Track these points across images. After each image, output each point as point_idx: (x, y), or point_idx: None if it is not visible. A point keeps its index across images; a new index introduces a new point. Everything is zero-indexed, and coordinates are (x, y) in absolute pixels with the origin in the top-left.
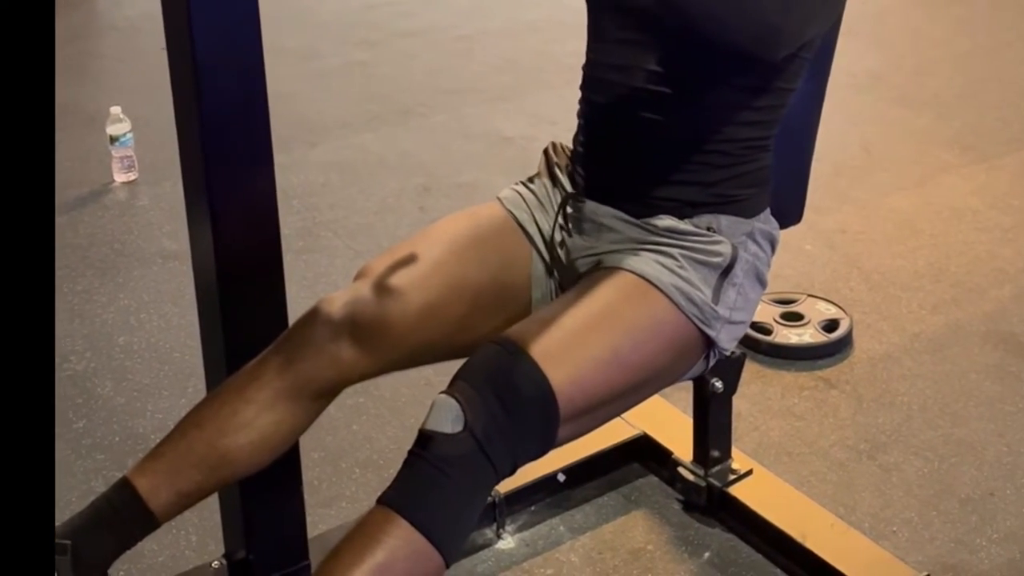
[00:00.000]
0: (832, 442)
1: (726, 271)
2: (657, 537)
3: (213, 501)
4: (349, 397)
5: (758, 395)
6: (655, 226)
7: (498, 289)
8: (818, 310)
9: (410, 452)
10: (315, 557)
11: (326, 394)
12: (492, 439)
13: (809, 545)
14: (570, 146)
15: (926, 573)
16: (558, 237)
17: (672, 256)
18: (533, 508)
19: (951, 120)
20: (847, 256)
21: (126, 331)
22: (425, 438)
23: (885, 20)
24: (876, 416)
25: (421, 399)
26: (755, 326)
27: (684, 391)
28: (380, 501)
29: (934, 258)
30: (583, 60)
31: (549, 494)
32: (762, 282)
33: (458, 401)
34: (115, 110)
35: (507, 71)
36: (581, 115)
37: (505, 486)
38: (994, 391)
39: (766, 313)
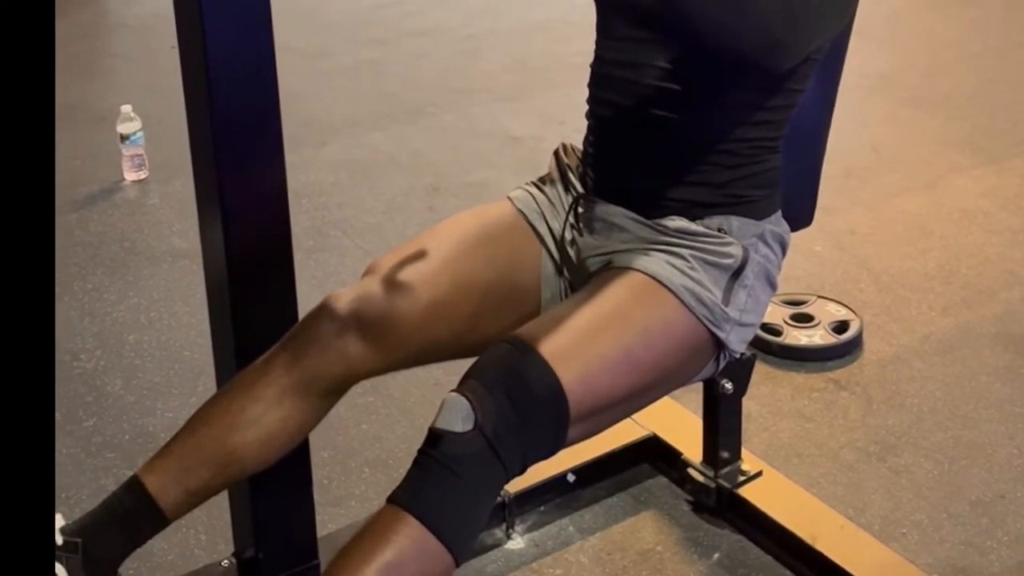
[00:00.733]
0: (842, 444)
1: (737, 272)
2: (666, 538)
3: (223, 500)
4: (358, 396)
5: (768, 396)
6: (665, 227)
7: (507, 288)
8: (828, 311)
9: (420, 451)
10: (324, 556)
11: (334, 391)
12: (502, 438)
13: (819, 547)
14: (580, 147)
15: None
16: (568, 236)
17: (683, 257)
18: (543, 508)
19: (962, 122)
20: (857, 257)
21: (136, 329)
22: (435, 437)
23: (897, 21)
24: (886, 418)
25: (431, 399)
26: (765, 327)
27: (694, 392)
28: (390, 500)
29: (944, 260)
30: (591, 59)
31: (559, 494)
32: (772, 284)
33: (468, 400)
34: (126, 108)
35: (516, 71)
36: (590, 114)
37: (515, 486)
38: (1004, 393)
39: (776, 314)
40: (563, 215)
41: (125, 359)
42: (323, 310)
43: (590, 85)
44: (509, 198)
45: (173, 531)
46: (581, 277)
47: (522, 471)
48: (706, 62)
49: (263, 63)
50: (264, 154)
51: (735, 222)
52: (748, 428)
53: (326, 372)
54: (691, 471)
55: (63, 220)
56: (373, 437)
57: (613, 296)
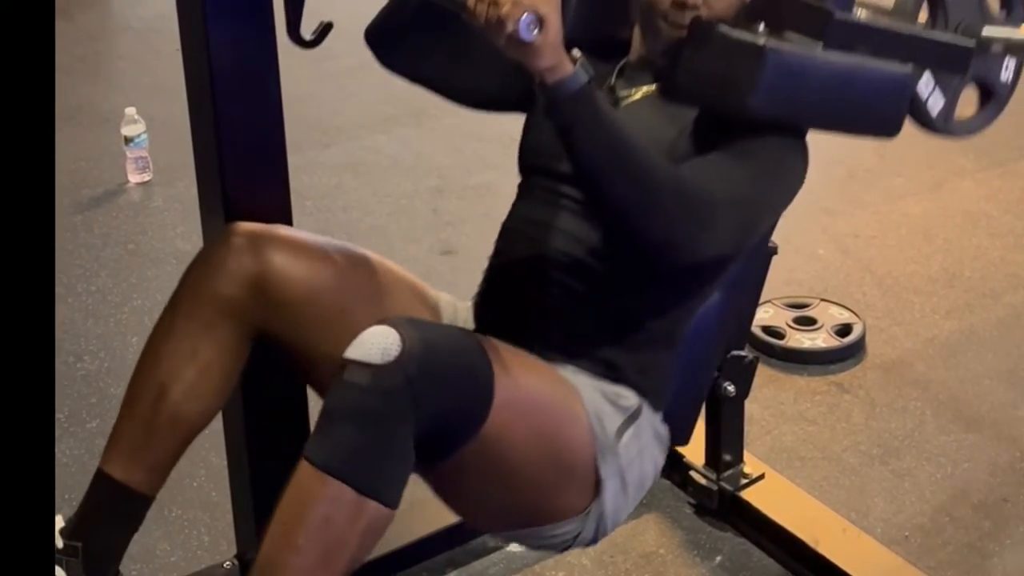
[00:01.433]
0: (845, 447)
1: (632, 418)
2: (669, 541)
3: (225, 502)
4: None
5: (771, 399)
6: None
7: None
8: (831, 314)
9: (332, 386)
10: None
11: (238, 317)
12: (424, 382)
13: (821, 550)
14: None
15: None
16: None
17: (583, 383)
18: None
19: None
20: (860, 260)
21: (140, 331)
22: (348, 368)
23: None
24: (889, 421)
25: None
26: (768, 330)
27: None
28: (303, 454)
29: (948, 263)
30: (500, 227)
31: None
32: (654, 474)
33: (398, 332)
34: (130, 111)
35: None
36: (489, 268)
37: None
38: (1007, 397)
39: (779, 317)
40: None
41: (128, 361)
42: (220, 237)
43: (497, 239)
44: (439, 296)
45: (176, 533)
46: None
47: (430, 433)
48: (614, 240)
49: (266, 65)
50: (267, 156)
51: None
52: (750, 431)
53: (224, 294)
54: (693, 474)
55: (67, 222)
56: None
57: (535, 368)
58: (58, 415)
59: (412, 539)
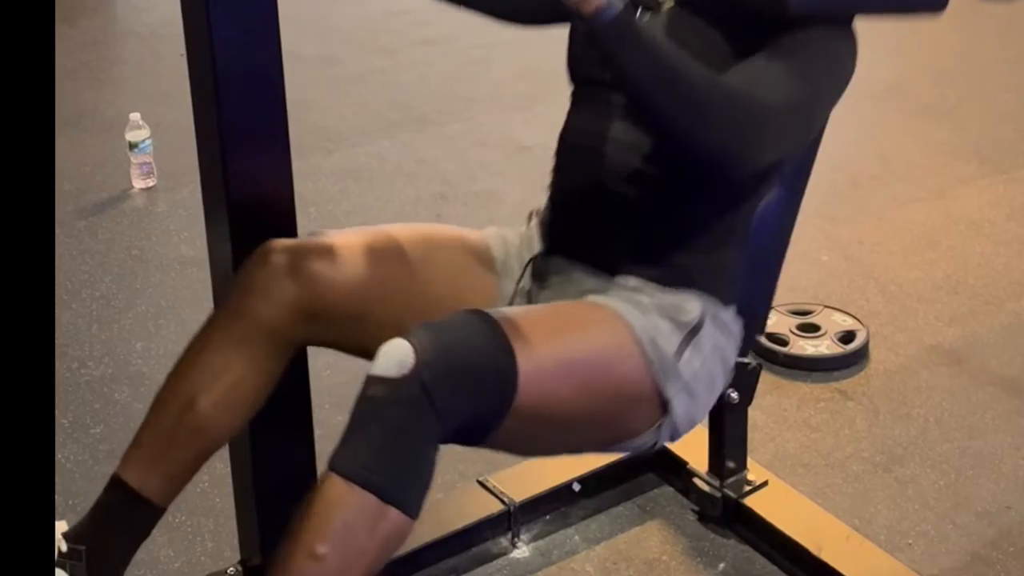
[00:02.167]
0: (848, 454)
1: (693, 331)
2: (672, 548)
3: (229, 507)
4: None
5: (774, 406)
6: (624, 284)
7: (455, 301)
8: (834, 321)
9: (356, 401)
10: None
11: (277, 341)
12: (440, 388)
13: (824, 557)
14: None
15: None
16: (525, 286)
17: (642, 303)
18: (548, 517)
19: (970, 131)
20: (864, 267)
21: (144, 337)
22: (369, 383)
23: (904, 31)
24: (892, 428)
25: None
26: (771, 337)
27: None
28: (330, 466)
29: (951, 270)
30: (557, 138)
31: (564, 504)
32: (726, 369)
33: (412, 344)
34: (134, 116)
35: (524, 80)
36: (551, 183)
37: (520, 495)
38: (1011, 404)
39: (782, 324)
40: (524, 264)
41: (132, 367)
42: (257, 257)
43: (556, 153)
44: (485, 233)
45: (180, 539)
46: None
47: (456, 435)
48: (669, 145)
49: (271, 71)
50: (272, 162)
51: (693, 295)
52: (754, 438)
53: (265, 316)
54: (697, 481)
55: (71, 228)
56: None
57: (577, 312)
58: (62, 421)
59: (415, 546)
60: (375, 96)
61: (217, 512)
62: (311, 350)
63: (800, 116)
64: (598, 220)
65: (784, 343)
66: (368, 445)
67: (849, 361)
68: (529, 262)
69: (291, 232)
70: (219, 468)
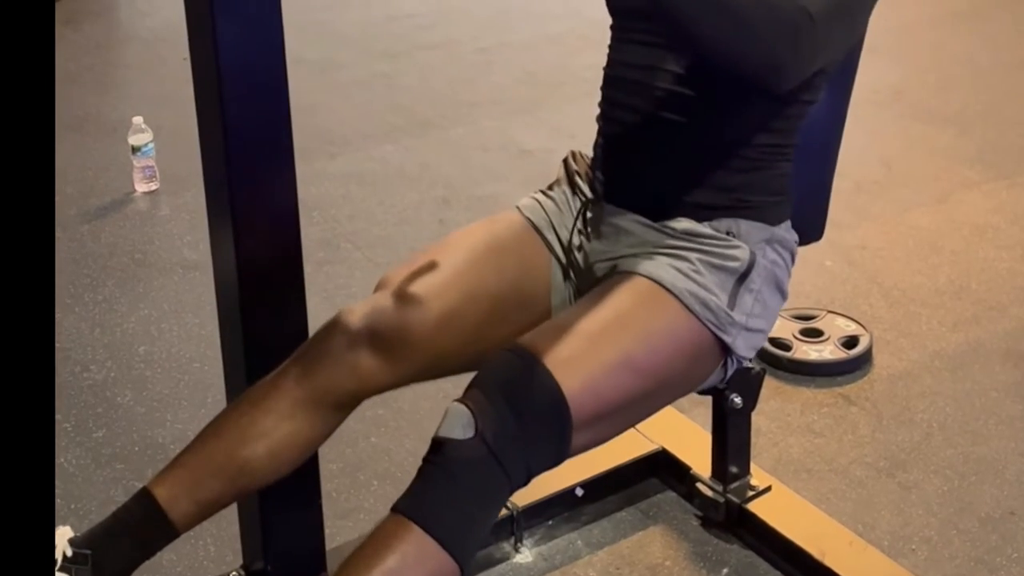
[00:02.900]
0: (851, 459)
1: (743, 276)
2: (675, 553)
3: (232, 511)
4: (368, 409)
5: (777, 411)
6: (673, 228)
7: (517, 296)
8: (838, 326)
9: (424, 460)
10: (333, 569)
11: (345, 405)
12: (504, 446)
13: (827, 563)
14: (589, 155)
15: None
16: (576, 242)
17: (688, 260)
18: (551, 522)
19: (973, 137)
20: (867, 272)
21: (146, 341)
22: (437, 445)
23: (907, 36)
24: (896, 434)
25: (440, 411)
26: (775, 342)
27: (703, 406)
28: (393, 509)
29: (955, 275)
30: (603, 73)
31: (567, 508)
32: (782, 291)
33: (469, 408)
34: (137, 120)
35: (527, 84)
36: (601, 116)
37: (523, 500)
38: (1015, 410)
39: (786, 329)
40: (571, 221)
41: (135, 370)
42: (335, 325)
43: (602, 87)
44: (518, 207)
45: (182, 542)
46: (588, 282)
47: (527, 480)
48: (715, 69)
49: (275, 75)
50: (275, 166)
51: (743, 225)
52: (757, 443)
53: (338, 386)
54: (700, 485)
55: (74, 231)
56: (382, 450)
57: (617, 301)
58: (64, 425)
59: None
60: (378, 100)
61: (220, 516)
62: None
63: (843, 19)
64: (647, 151)
65: (787, 348)
66: (440, 500)
67: (852, 366)
68: (577, 215)
69: (294, 236)
70: None
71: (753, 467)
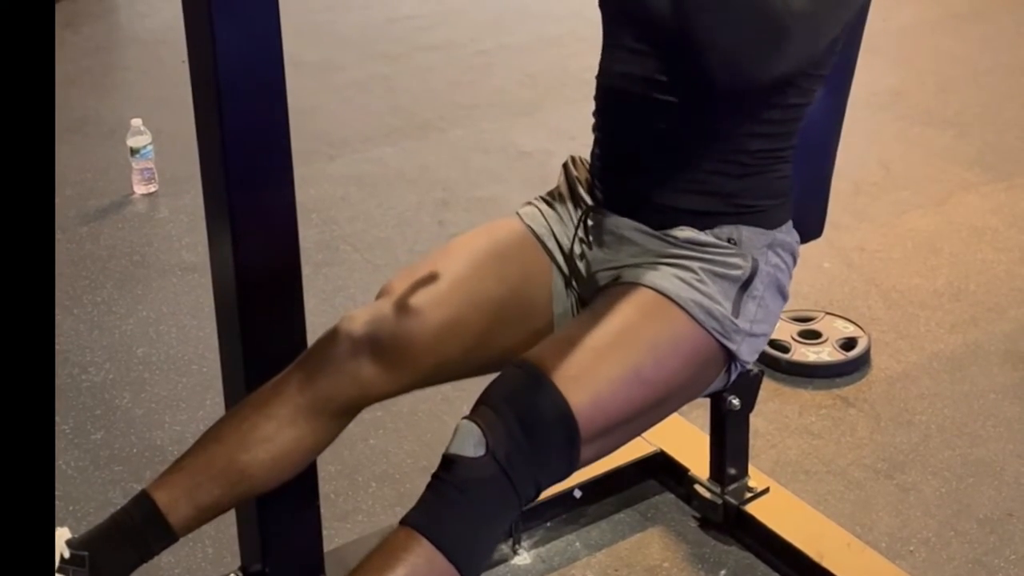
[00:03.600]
0: (849, 461)
1: (746, 284)
2: (673, 554)
3: (230, 514)
4: (366, 411)
5: (775, 413)
6: (675, 237)
7: (519, 304)
8: (836, 328)
9: (434, 475)
10: (331, 571)
11: (347, 412)
12: (514, 463)
13: (826, 564)
14: (589, 160)
15: None
16: (577, 250)
17: (691, 270)
18: (549, 524)
19: (972, 139)
20: (865, 274)
21: (145, 343)
22: (448, 462)
23: (906, 38)
24: (894, 435)
25: (438, 414)
26: (773, 344)
27: (701, 408)
28: (403, 522)
29: (953, 277)
30: (595, 82)
31: (565, 510)
32: (783, 294)
33: (479, 426)
34: (136, 122)
35: (526, 86)
36: (596, 127)
37: None
38: (1013, 411)
39: (784, 331)
40: (572, 229)
41: (134, 372)
42: (337, 332)
43: (595, 97)
44: (518, 214)
45: (180, 545)
46: (590, 291)
47: (537, 495)
48: (708, 78)
49: (273, 77)
50: (273, 168)
51: (745, 231)
52: (755, 445)
53: (339, 394)
54: (698, 487)
55: (73, 233)
56: (380, 452)
57: (621, 314)
58: (63, 427)
59: None
60: (377, 102)
61: (218, 518)
62: None
63: (819, 22)
64: (644, 161)
65: (786, 350)
66: (450, 515)
67: (851, 368)
68: (578, 223)
69: (292, 238)
70: None
71: (751, 469)
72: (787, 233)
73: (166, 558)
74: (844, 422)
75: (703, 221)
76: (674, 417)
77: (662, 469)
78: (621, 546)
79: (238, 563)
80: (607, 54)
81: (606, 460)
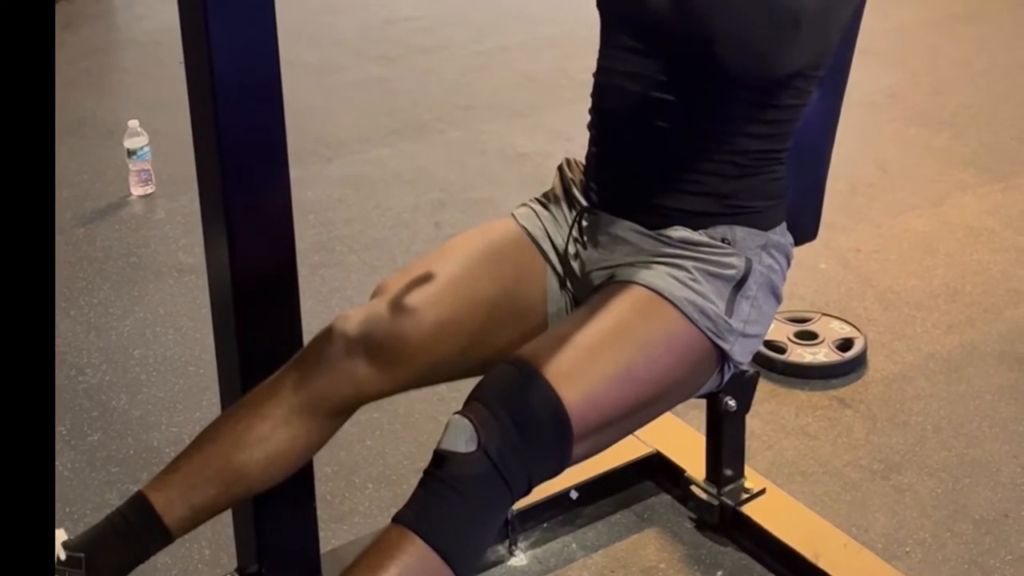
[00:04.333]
0: (846, 462)
1: (739, 284)
2: (669, 556)
3: (226, 515)
4: (363, 412)
5: (772, 414)
6: (669, 237)
7: (513, 304)
8: (832, 329)
9: (425, 472)
10: (328, 572)
11: (342, 412)
12: (506, 459)
13: (822, 565)
14: (584, 161)
15: None
16: (572, 250)
17: (685, 269)
18: (545, 525)
19: (968, 139)
20: (862, 275)
21: (142, 344)
22: (440, 458)
23: (902, 39)
24: (890, 436)
25: (435, 415)
26: (769, 345)
27: (697, 409)
28: (395, 520)
29: (949, 278)
30: (593, 80)
31: (561, 511)
32: (777, 296)
33: (471, 422)
34: (133, 123)
35: (524, 87)
36: (592, 125)
37: (518, 503)
38: (1009, 412)
39: (780, 332)
40: (567, 230)
41: (130, 374)
42: (332, 332)
43: (592, 95)
44: (513, 215)
45: (177, 546)
46: (585, 291)
47: (528, 491)
48: (704, 76)
49: (269, 78)
50: (270, 170)
51: (739, 232)
52: (751, 446)
53: (334, 393)
54: (694, 488)
55: (70, 235)
56: (377, 453)
57: (615, 312)
58: (60, 428)
59: None
60: (374, 103)
61: (215, 519)
62: None
63: (828, 19)
64: (639, 160)
65: (782, 351)
66: (442, 512)
67: (847, 369)
68: (573, 223)
69: (289, 239)
70: None
71: (747, 470)
72: (781, 235)
73: (162, 559)
74: (840, 423)
75: (698, 221)
76: (670, 418)
77: (658, 470)
78: (617, 547)
79: (234, 564)
80: (604, 54)
81: (602, 461)
